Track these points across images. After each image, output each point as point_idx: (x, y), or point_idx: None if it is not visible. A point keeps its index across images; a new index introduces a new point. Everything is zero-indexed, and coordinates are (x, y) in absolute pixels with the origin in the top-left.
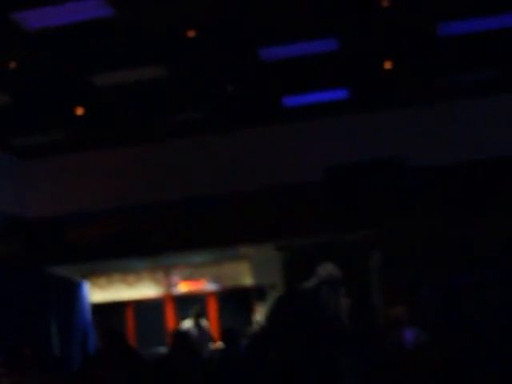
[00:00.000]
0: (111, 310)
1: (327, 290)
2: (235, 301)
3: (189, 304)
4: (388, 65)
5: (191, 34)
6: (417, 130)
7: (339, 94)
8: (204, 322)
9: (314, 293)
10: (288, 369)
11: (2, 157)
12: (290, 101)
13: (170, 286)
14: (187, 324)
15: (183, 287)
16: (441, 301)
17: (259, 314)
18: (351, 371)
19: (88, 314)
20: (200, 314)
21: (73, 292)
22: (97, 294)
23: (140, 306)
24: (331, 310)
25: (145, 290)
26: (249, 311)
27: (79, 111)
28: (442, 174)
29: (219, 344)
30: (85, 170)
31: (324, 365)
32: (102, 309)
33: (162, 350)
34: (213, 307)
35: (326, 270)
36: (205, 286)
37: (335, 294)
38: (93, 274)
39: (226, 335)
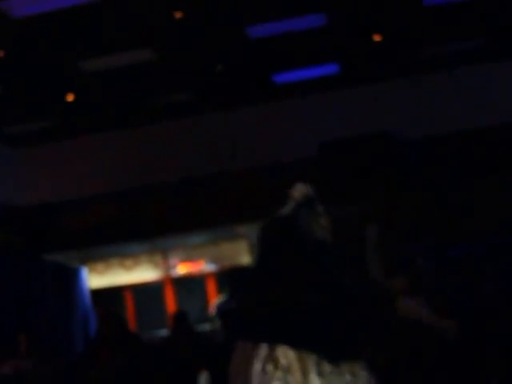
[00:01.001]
0: (110, 295)
1: (306, 212)
2: None
3: (188, 285)
4: (377, 37)
5: (178, 15)
6: (409, 102)
7: (330, 69)
8: None
9: (293, 218)
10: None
11: None
12: (281, 78)
13: (168, 268)
14: None
15: (182, 269)
16: (438, 270)
17: None
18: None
19: (87, 299)
20: None
21: (71, 278)
22: (95, 279)
23: (139, 289)
24: (315, 233)
25: (143, 273)
26: None
27: (69, 97)
28: (436, 144)
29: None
30: (79, 156)
31: (328, 280)
32: (101, 294)
33: (163, 332)
34: (212, 288)
35: (300, 191)
36: (203, 266)
37: (315, 214)
38: (90, 259)
39: (225, 316)
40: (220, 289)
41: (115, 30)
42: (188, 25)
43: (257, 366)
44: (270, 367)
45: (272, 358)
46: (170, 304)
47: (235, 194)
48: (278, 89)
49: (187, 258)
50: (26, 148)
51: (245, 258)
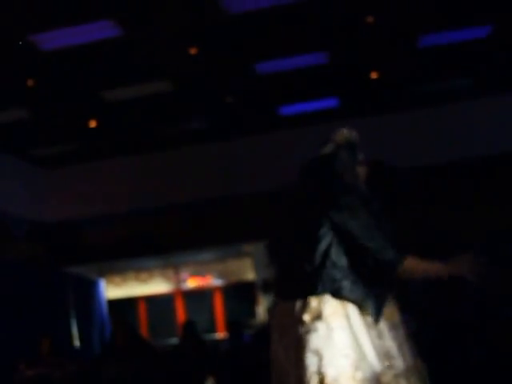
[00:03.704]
0: (126, 305)
1: (345, 155)
2: (239, 295)
3: (197, 298)
4: (374, 75)
5: (193, 50)
6: (403, 134)
7: (330, 103)
8: None
9: (332, 159)
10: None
11: (23, 166)
12: (285, 110)
13: (179, 282)
14: None
15: (191, 283)
16: (423, 287)
17: (262, 307)
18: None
19: (104, 309)
20: None
21: (90, 290)
22: (112, 290)
23: (152, 300)
24: (349, 177)
25: (156, 286)
26: (252, 304)
27: (92, 124)
28: (427, 173)
29: (225, 334)
30: (100, 177)
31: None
32: (117, 304)
33: (173, 340)
34: (219, 301)
35: (343, 134)
36: (211, 281)
37: (353, 160)
38: (108, 272)
39: (231, 326)
40: (226, 302)
41: (136, 63)
42: (202, 60)
43: (305, 317)
44: (315, 318)
45: (316, 309)
46: (180, 314)
47: (242, 215)
48: (284, 120)
49: (197, 273)
50: (52, 169)
51: (249, 275)
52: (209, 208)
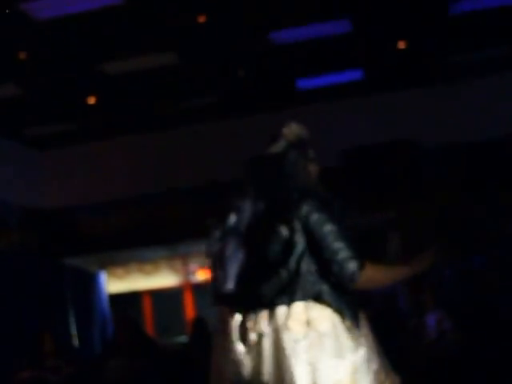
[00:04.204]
0: (129, 300)
1: (295, 154)
2: None
3: (207, 292)
4: (402, 45)
5: (202, 19)
6: (433, 110)
7: (354, 75)
8: None
9: (282, 158)
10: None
11: (16, 147)
12: (304, 83)
13: (187, 274)
14: None
15: (201, 275)
16: (459, 281)
17: None
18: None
19: (106, 304)
20: None
21: (89, 283)
22: (114, 283)
23: (158, 294)
24: (300, 178)
25: (162, 278)
26: None
27: (91, 100)
28: (459, 154)
29: None
30: (101, 160)
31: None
32: (119, 298)
33: (182, 339)
34: None
35: (293, 130)
36: None
37: (305, 158)
38: (110, 264)
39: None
40: None
41: (139, 32)
42: (211, 29)
43: (291, 324)
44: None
45: (302, 316)
46: (189, 310)
47: None
48: (302, 94)
49: (207, 265)
50: (49, 151)
51: None
52: (222, 193)
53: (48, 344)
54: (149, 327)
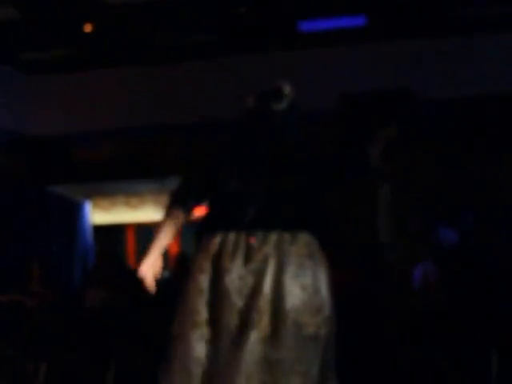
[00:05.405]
0: (113, 232)
1: (297, 112)
2: None
3: (192, 228)
4: None
5: None
6: (435, 61)
7: (357, 21)
8: None
9: (285, 116)
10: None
11: (5, 71)
12: (306, 26)
13: None
14: None
15: None
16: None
17: None
18: None
19: (89, 234)
20: None
21: (74, 212)
22: (99, 215)
23: (142, 229)
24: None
25: (148, 213)
26: None
27: (87, 28)
28: (460, 107)
29: None
30: (94, 89)
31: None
32: (103, 230)
33: (165, 274)
34: None
35: (292, 92)
36: None
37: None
38: (95, 195)
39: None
40: None
41: None
42: None
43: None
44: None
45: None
46: (173, 245)
47: None
48: (303, 36)
49: None
50: (41, 76)
51: None
52: (214, 130)
53: (35, 271)
54: (131, 261)
